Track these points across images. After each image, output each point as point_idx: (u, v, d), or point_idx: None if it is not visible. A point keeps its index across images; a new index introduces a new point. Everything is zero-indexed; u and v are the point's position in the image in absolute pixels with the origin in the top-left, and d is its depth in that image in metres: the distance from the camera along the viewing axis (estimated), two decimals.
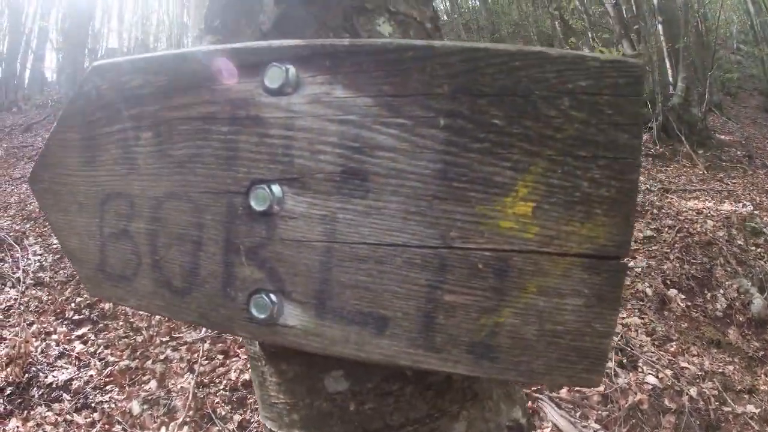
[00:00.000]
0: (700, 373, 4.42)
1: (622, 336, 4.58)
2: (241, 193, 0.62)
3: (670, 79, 12.10)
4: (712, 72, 11.86)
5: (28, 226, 7.26)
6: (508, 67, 0.52)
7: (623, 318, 4.97)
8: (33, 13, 25.72)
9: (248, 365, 4.11)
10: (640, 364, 4.32)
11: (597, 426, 3.71)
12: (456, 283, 0.55)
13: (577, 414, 3.81)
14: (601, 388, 3.94)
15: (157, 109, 0.66)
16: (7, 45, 24.63)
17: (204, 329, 4.67)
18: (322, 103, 0.57)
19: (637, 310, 5.13)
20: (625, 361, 4.32)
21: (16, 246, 6.51)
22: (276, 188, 0.59)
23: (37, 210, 7.79)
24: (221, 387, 4.10)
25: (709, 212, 7.48)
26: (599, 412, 3.83)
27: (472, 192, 0.54)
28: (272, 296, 0.61)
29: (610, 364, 4.19)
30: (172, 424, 3.81)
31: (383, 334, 0.57)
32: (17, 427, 4.06)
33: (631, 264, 5.82)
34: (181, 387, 4.11)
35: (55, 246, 6.44)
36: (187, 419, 3.82)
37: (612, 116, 0.51)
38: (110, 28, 29.78)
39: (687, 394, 4.11)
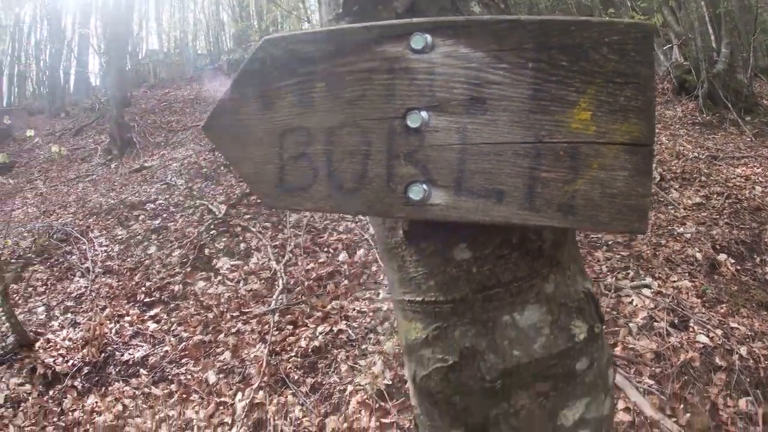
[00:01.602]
0: (749, 334, 4.54)
1: (673, 297, 4.75)
2: (399, 117, 0.91)
3: (714, 45, 12.01)
4: (755, 36, 11.71)
5: (91, 220, 7.76)
6: (568, 30, 0.83)
7: (674, 281, 5.13)
8: (72, 21, 26.64)
9: (326, 324, 4.45)
10: (692, 324, 4.48)
11: (650, 381, 3.90)
12: (547, 165, 0.85)
13: (632, 370, 4.02)
14: (654, 346, 4.13)
15: (326, 66, 0.96)
16: (49, 54, 25.66)
17: (272, 304, 5.06)
18: (452, 57, 0.88)
19: (687, 274, 5.27)
20: (676, 321, 4.49)
21: (83, 239, 7.01)
22: (424, 113, 0.89)
23: (99, 206, 8.32)
24: (292, 354, 4.45)
25: (758, 178, 7.53)
26: (652, 368, 4.02)
27: (552, 107, 0.84)
28: (424, 185, 0.90)
29: (663, 324, 4.37)
30: (248, 389, 4.19)
31: (501, 203, 0.87)
32: (95, 402, 4.49)
33: (681, 230, 5.96)
34: (255, 356, 4.49)
35: (119, 237, 6.93)
36: (262, 384, 4.19)
37: (634, 57, 0.81)
38: (149, 30, 30.56)
39: (737, 353, 4.24)
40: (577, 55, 0.82)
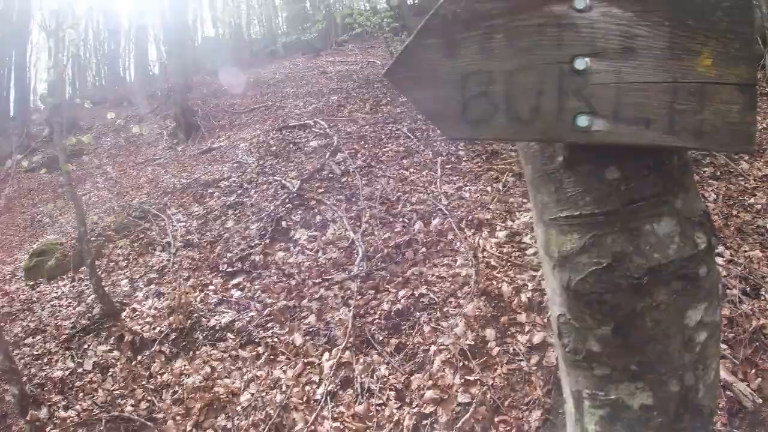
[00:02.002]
0: None
1: (744, 266, 4.68)
2: (567, 62, 1.15)
3: None
4: None
5: (166, 198, 8.15)
6: None
7: (746, 251, 5.05)
8: (128, 12, 27.61)
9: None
10: (763, 293, 4.42)
11: (724, 346, 3.88)
12: (682, 99, 1.10)
13: None
14: (727, 312, 4.09)
15: (504, 21, 1.19)
16: (107, 46, 26.72)
17: (353, 271, 5.23)
18: (607, 15, 1.11)
19: (758, 244, 5.18)
20: (748, 289, 4.44)
21: (162, 215, 7.37)
22: (587, 59, 1.13)
23: (172, 185, 8.71)
24: (376, 317, 4.62)
25: None
26: (725, 333, 4.00)
27: (683, 55, 1.09)
28: (588, 115, 1.15)
29: (734, 291, 4.33)
30: (335, 350, 4.37)
31: (649, 128, 1.13)
32: (184, 365, 4.76)
33: (752, 201, 5.83)
34: (339, 319, 4.67)
35: (196, 213, 7.26)
36: (348, 345, 4.36)
37: (741, 18, 1.06)
38: (203, 18, 31.49)
39: None
40: (700, 17, 1.08)
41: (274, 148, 8.76)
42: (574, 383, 1.46)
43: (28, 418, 3.70)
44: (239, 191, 7.49)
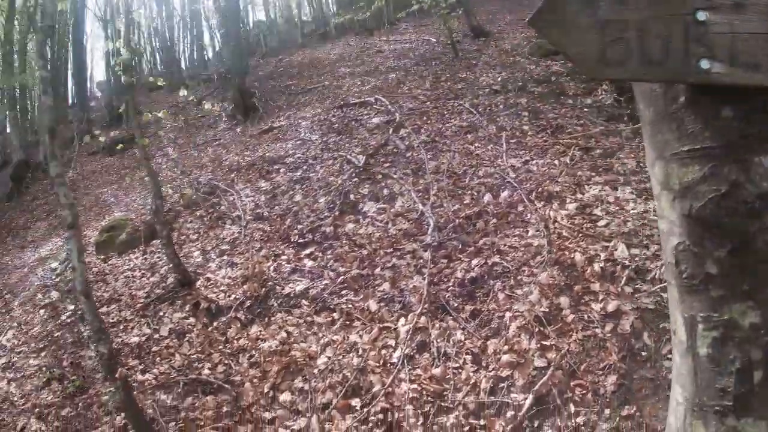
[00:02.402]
0: None
1: None
2: (690, 14, 1.35)
3: None
4: None
5: (232, 175, 8.44)
6: None
7: None
8: None
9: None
10: None
11: None
12: None
13: None
14: None
15: None
16: (161, 32, 27.38)
17: (424, 240, 5.37)
18: None
19: None
20: None
21: (230, 190, 7.66)
22: (707, 12, 1.33)
23: (236, 163, 9.00)
24: (450, 284, 4.75)
25: None
26: None
27: None
28: (709, 59, 1.34)
29: None
30: (410, 315, 4.52)
31: (758, 72, 1.33)
32: (260, 331, 4.98)
33: None
34: (413, 286, 4.82)
35: (263, 188, 7.51)
36: (423, 311, 4.50)
37: None
38: (254, 2, 31.96)
39: None
40: None
41: (337, 125, 8.95)
42: (688, 309, 1.62)
43: (117, 375, 3.95)
44: (305, 167, 7.71)
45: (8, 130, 23.82)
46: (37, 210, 15.24)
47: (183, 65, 26.60)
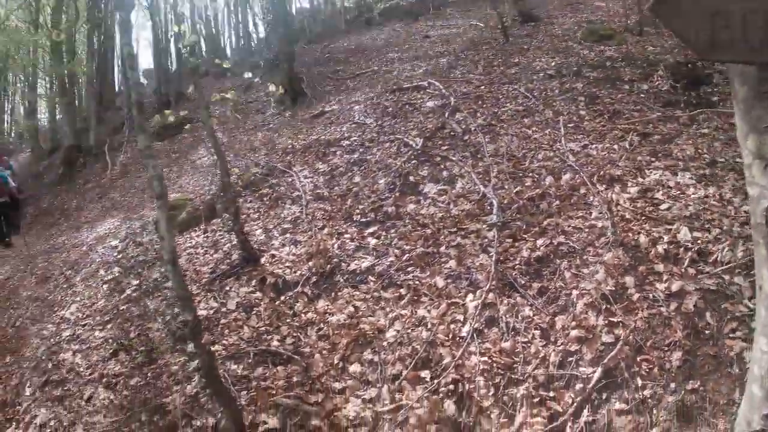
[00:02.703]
0: None
1: None
2: None
3: None
4: None
5: (288, 158, 8.65)
6: None
7: None
8: None
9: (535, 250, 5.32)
10: None
11: None
12: None
13: None
14: None
15: None
16: (205, 19, 27.85)
17: (489, 220, 5.49)
18: None
19: None
20: None
21: (289, 171, 7.87)
22: None
23: (290, 146, 9.21)
24: (516, 263, 4.86)
25: None
26: None
27: None
28: None
29: None
30: (478, 291, 4.65)
31: None
32: (327, 305, 5.15)
33: None
34: (480, 264, 4.94)
35: (321, 170, 7.70)
36: (491, 287, 4.63)
37: None
38: None
39: None
40: None
41: (391, 109, 9.08)
42: None
43: (202, 341, 4.14)
44: (361, 149, 7.87)
45: (58, 117, 24.60)
46: (88, 193, 15.68)
47: (229, 51, 27.03)
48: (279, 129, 12.03)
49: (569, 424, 3.61)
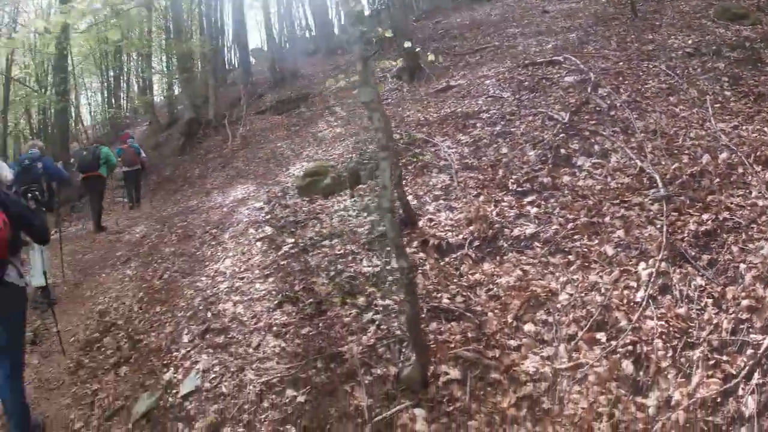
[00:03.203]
0: None
1: None
2: None
3: None
4: None
5: (424, 129, 8.92)
6: None
7: None
8: None
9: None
10: None
11: None
12: None
13: None
14: None
15: None
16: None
17: (653, 193, 5.59)
18: None
19: None
20: None
21: (431, 141, 8.15)
22: None
23: (423, 119, 9.47)
24: (684, 235, 4.96)
25: None
26: None
27: None
28: None
29: None
30: (651, 260, 4.78)
31: None
32: (493, 268, 5.33)
33: None
34: (649, 235, 5.07)
35: (463, 141, 7.94)
36: (663, 257, 4.75)
37: None
38: None
39: None
40: None
41: (527, 83, 9.17)
42: None
43: (414, 289, 4.40)
44: (503, 122, 8.01)
45: (176, 91, 25.90)
46: (210, 162, 16.45)
47: (338, 29, 27.56)
48: (400, 103, 12.31)
49: (741, 385, 3.70)
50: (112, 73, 33.20)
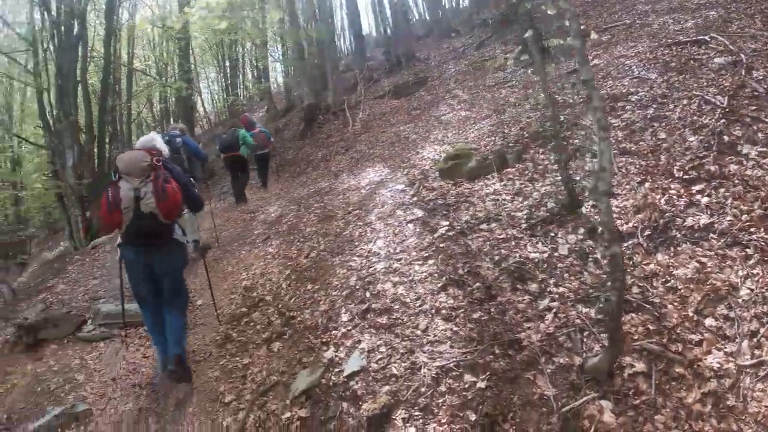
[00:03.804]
0: None
1: None
2: None
3: None
4: None
5: (567, 111, 8.67)
6: None
7: None
8: None
9: None
10: None
11: None
12: None
13: None
14: None
15: None
16: None
17: None
18: None
19: None
20: None
21: (579, 124, 7.91)
22: None
23: (559, 100, 9.20)
24: None
25: None
26: None
27: None
28: None
29: None
30: None
31: None
32: (667, 259, 5.07)
33: None
34: None
35: (614, 124, 7.65)
36: None
37: None
38: None
39: None
40: None
41: (674, 64, 8.68)
42: None
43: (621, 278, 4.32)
44: (654, 105, 7.63)
45: (292, 78, 26.52)
46: (332, 146, 16.73)
47: (450, 12, 27.33)
48: (529, 85, 12.05)
49: None
50: (228, 63, 34.39)
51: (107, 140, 19.50)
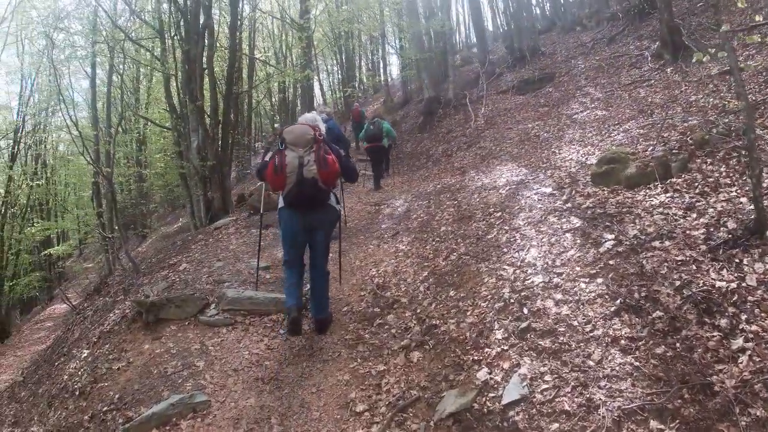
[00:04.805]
0: None
1: None
2: None
3: None
4: None
5: (729, 116, 7.84)
6: None
7: None
8: None
9: None
10: None
11: None
12: None
13: None
14: None
15: None
16: None
17: None
18: None
19: None
20: None
21: (754, 132, 7.08)
22: None
23: (720, 105, 8.34)
24: None
25: None
26: None
27: None
28: None
29: None
30: None
31: None
32: None
33: None
34: None
35: None
36: None
37: None
38: None
39: None
40: None
41: None
42: None
43: None
44: None
45: (410, 71, 26.30)
46: (453, 141, 16.31)
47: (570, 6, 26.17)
48: (670, 85, 11.12)
49: None
50: (344, 56, 34.75)
51: (230, 126, 20.03)
